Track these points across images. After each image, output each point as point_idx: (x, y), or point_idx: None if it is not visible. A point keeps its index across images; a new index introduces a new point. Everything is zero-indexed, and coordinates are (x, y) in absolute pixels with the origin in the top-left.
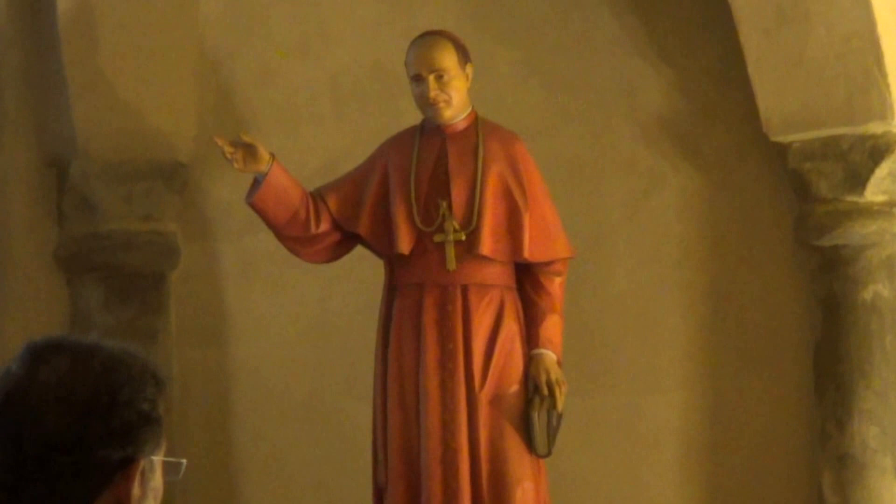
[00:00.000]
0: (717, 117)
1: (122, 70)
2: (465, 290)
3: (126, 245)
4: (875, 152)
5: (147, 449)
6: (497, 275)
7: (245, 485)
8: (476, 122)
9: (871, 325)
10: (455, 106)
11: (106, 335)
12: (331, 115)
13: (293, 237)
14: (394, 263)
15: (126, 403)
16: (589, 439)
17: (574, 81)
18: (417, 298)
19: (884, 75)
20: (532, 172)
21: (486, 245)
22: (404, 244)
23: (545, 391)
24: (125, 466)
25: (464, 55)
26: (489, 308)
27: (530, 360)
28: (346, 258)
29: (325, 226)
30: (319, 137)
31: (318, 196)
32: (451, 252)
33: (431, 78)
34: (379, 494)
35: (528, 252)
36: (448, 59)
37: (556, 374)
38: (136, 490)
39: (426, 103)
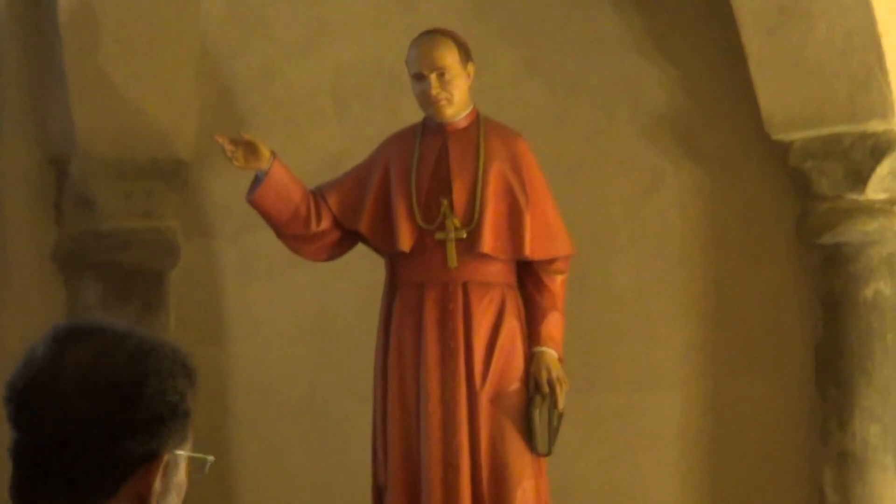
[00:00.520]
0: (719, 115)
1: (122, 67)
2: (466, 288)
3: (125, 243)
4: (876, 150)
5: (172, 443)
6: (498, 273)
7: (243, 484)
8: (478, 120)
9: (873, 323)
10: (456, 104)
11: None
12: (332, 113)
13: (294, 235)
14: (394, 261)
15: (153, 395)
16: (590, 437)
17: (576, 79)
18: (418, 296)
19: (884, 73)
20: (533, 170)
21: (488, 243)
22: (405, 242)
23: (546, 389)
24: (149, 460)
25: (465, 53)
26: (490, 306)
27: (531, 358)
28: (346, 256)
29: (325, 223)
30: (320, 135)
31: (318, 194)
32: (452, 250)
33: (433, 76)
34: (379, 494)
35: (530, 250)
36: (450, 57)
37: (557, 371)
38: (157, 485)
39: (428, 101)
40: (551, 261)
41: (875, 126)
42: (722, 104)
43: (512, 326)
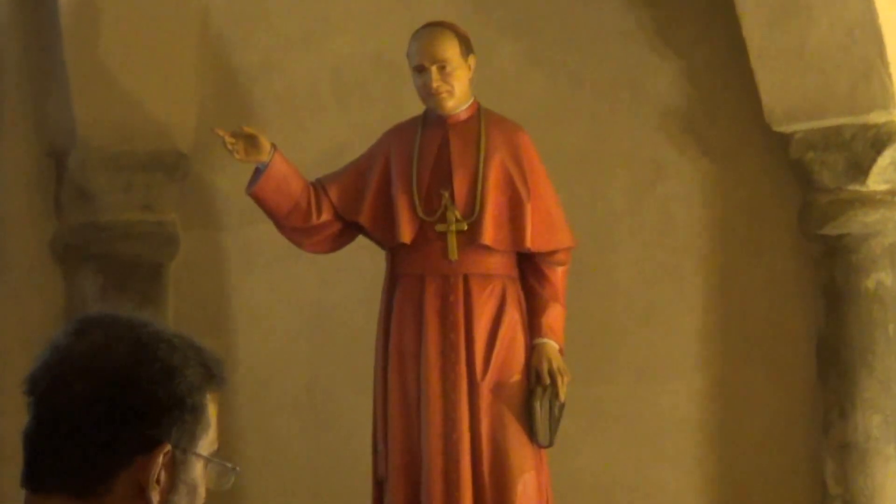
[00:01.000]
0: (720, 108)
1: (122, 60)
2: (466, 279)
3: (125, 235)
4: (877, 142)
5: (176, 435)
6: (499, 264)
7: (244, 476)
8: (478, 112)
9: (874, 314)
10: (457, 97)
11: None
12: (332, 106)
13: (294, 227)
14: (395, 253)
15: (154, 381)
16: (591, 429)
17: (577, 72)
18: (419, 288)
19: (886, 65)
20: (534, 162)
21: (488, 235)
22: (406, 234)
23: (547, 381)
24: (149, 449)
25: (466, 46)
26: (491, 298)
27: (532, 350)
28: (346, 248)
29: (326, 216)
30: (321, 128)
31: (319, 186)
32: (452, 242)
33: (434, 69)
34: (379, 486)
35: (531, 242)
36: (450, 49)
37: (558, 363)
38: (161, 476)
39: (428, 94)
40: (552, 252)
41: (876, 118)
42: (723, 96)
43: (513, 318)
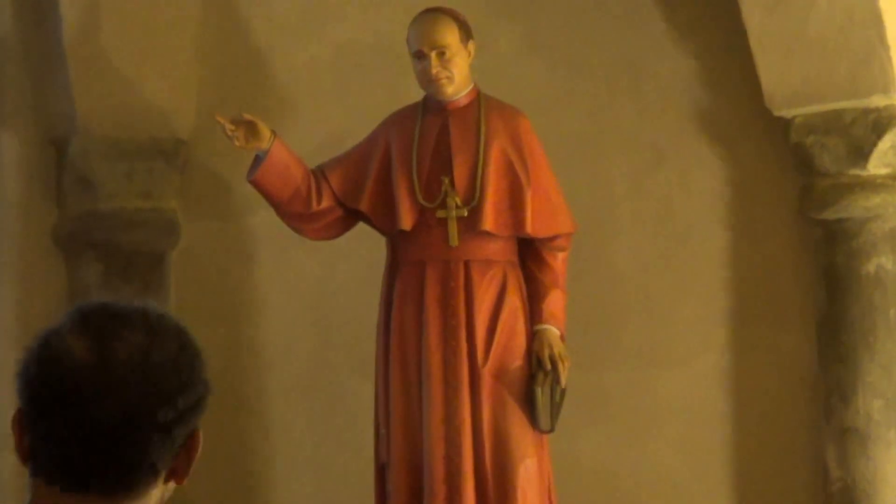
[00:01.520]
0: (720, 92)
1: (122, 47)
2: (467, 266)
3: (126, 223)
4: (878, 125)
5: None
6: (500, 250)
7: (247, 462)
8: (478, 98)
9: (875, 298)
10: (457, 82)
11: None
12: (332, 92)
13: (295, 214)
14: (396, 240)
15: (199, 376)
16: (592, 414)
17: (576, 57)
18: (420, 275)
19: (886, 48)
20: (535, 148)
21: (489, 221)
22: (406, 220)
23: (548, 366)
24: (189, 438)
25: (466, 31)
26: (492, 284)
27: (533, 336)
28: (347, 235)
29: (326, 202)
30: (321, 114)
31: (319, 173)
32: (453, 228)
33: (433, 55)
34: (381, 470)
35: (531, 227)
36: (450, 35)
37: (559, 349)
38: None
39: (428, 80)
40: (553, 238)
41: (877, 101)
42: (723, 81)
43: (514, 304)
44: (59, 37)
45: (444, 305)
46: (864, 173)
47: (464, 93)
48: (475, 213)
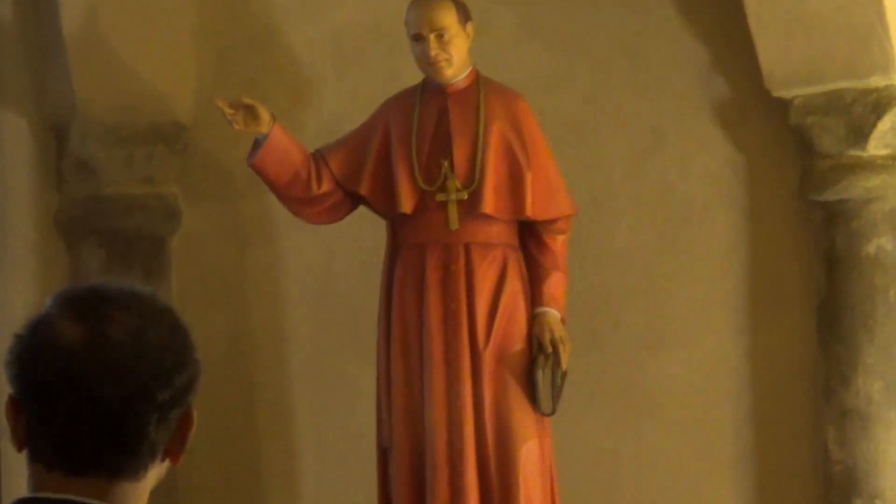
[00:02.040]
0: (719, 73)
1: (121, 32)
2: (467, 249)
3: (126, 208)
4: (878, 106)
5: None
6: (500, 233)
7: (248, 448)
8: (477, 80)
9: (875, 279)
10: (456, 65)
11: None
12: (331, 76)
13: (295, 198)
14: (396, 224)
15: (191, 355)
16: (593, 397)
17: (575, 39)
18: (420, 258)
19: (885, 28)
20: (534, 130)
21: (489, 204)
22: (406, 204)
23: (549, 349)
24: (183, 418)
25: (464, 13)
26: (492, 267)
27: (534, 319)
28: (347, 219)
29: (326, 186)
30: (320, 98)
31: (319, 156)
32: (453, 211)
33: (432, 37)
34: (384, 454)
35: (531, 210)
36: (448, 17)
37: (559, 332)
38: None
39: (427, 63)
40: (553, 221)
41: (876, 82)
42: (722, 62)
43: (514, 287)
44: (58, 22)
45: (444, 289)
46: (864, 154)
47: (463, 75)
48: (475, 196)
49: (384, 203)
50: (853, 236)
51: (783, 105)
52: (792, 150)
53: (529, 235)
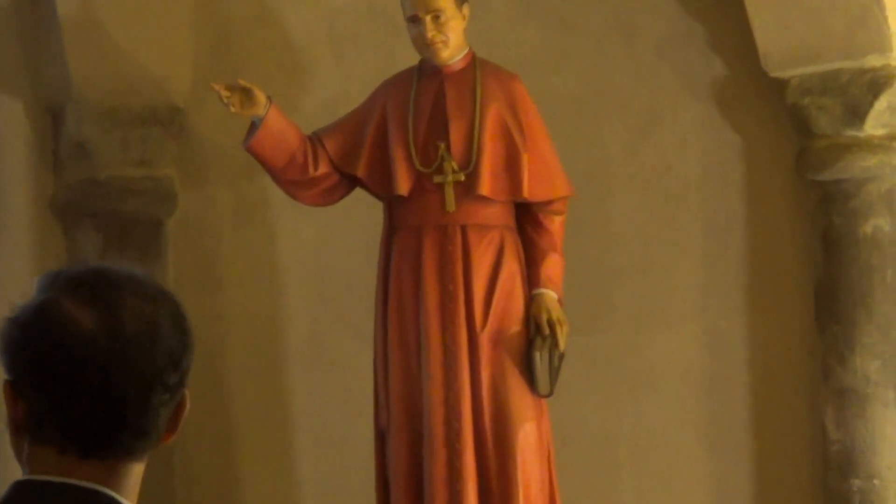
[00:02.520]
0: (716, 54)
1: (117, 14)
2: (464, 230)
3: (123, 191)
4: (874, 85)
5: None
6: (497, 215)
7: (245, 430)
8: (474, 62)
9: (872, 259)
10: (452, 46)
11: None
12: (328, 58)
13: (291, 181)
14: (393, 205)
15: (190, 338)
16: (591, 378)
17: (571, 19)
18: (417, 240)
19: (882, 8)
20: (530, 112)
21: (486, 185)
22: (403, 186)
23: (546, 330)
24: (181, 399)
25: None
26: (489, 248)
27: (531, 300)
28: (344, 201)
29: (323, 168)
30: (316, 80)
31: (315, 139)
32: (450, 193)
33: (428, 18)
34: (382, 436)
35: (528, 191)
36: None
37: (557, 313)
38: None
39: (423, 44)
40: (550, 202)
41: (873, 61)
42: (719, 42)
43: (511, 268)
44: (53, 5)
45: (441, 271)
46: (860, 134)
47: (459, 57)
48: (472, 177)
49: (381, 185)
50: (850, 216)
51: (780, 85)
52: (789, 131)
53: (526, 217)
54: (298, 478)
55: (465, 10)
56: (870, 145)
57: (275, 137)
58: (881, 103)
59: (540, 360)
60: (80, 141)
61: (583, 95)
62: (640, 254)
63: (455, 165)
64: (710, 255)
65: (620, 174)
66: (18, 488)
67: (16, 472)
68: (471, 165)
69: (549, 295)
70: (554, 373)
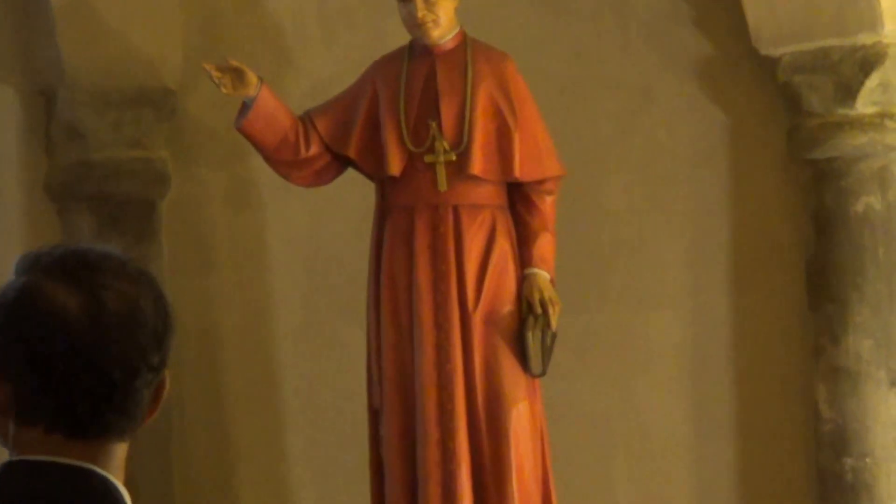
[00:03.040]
0: (707, 32)
1: None
2: (456, 210)
3: (116, 173)
4: (865, 63)
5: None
6: (488, 195)
7: (238, 411)
8: (465, 41)
9: (864, 238)
10: (443, 26)
11: None
12: (318, 38)
13: (283, 161)
14: (384, 186)
15: (172, 318)
16: (583, 358)
17: None
18: (409, 220)
19: None
20: (522, 91)
21: (477, 165)
22: (395, 166)
23: (539, 310)
24: (160, 380)
25: None
26: (481, 228)
27: (523, 280)
28: (336, 182)
29: (314, 149)
30: (307, 60)
31: (307, 119)
32: (441, 173)
33: None
34: (375, 417)
35: (519, 171)
36: None
37: (549, 292)
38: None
39: (414, 24)
40: (541, 182)
41: (864, 39)
42: (710, 20)
43: (503, 248)
44: None
45: (433, 251)
46: (852, 112)
47: (450, 36)
48: (463, 157)
49: (372, 165)
50: (842, 195)
51: (771, 63)
52: (780, 109)
53: (518, 197)
54: (292, 458)
55: None
56: (861, 123)
57: (266, 118)
58: (872, 81)
59: (532, 339)
60: (73, 123)
61: (573, 74)
62: (631, 233)
63: (446, 145)
64: (702, 235)
65: (612, 153)
66: (10, 468)
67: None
68: (462, 145)
69: (542, 275)
70: (546, 353)
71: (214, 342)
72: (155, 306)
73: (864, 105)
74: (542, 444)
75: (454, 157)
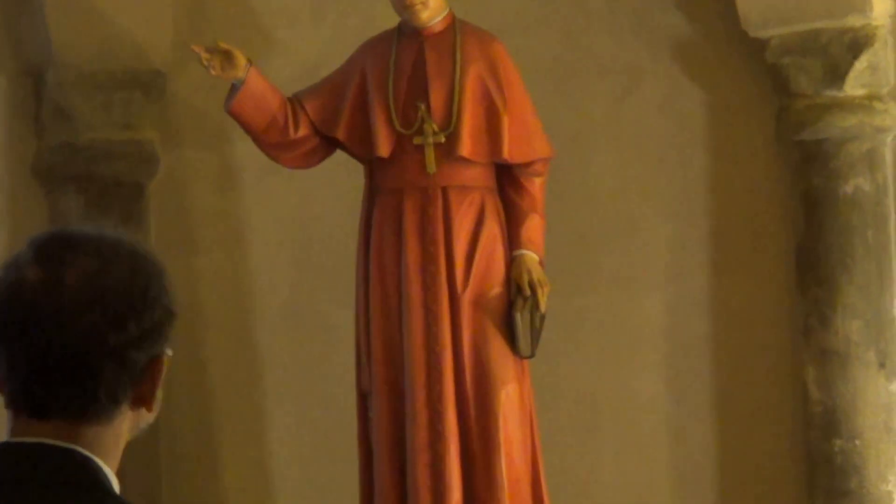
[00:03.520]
0: (695, 14)
1: None
2: (445, 192)
3: (105, 155)
4: (854, 45)
5: (166, 345)
6: (477, 177)
7: (226, 393)
8: (454, 23)
9: (853, 220)
10: (432, 8)
11: None
12: (308, 20)
13: (272, 143)
14: (373, 167)
15: (155, 301)
16: (572, 340)
17: None
18: (398, 202)
19: None
20: (511, 73)
21: (466, 146)
22: (384, 147)
23: (527, 292)
24: (151, 364)
25: None
26: (470, 210)
27: (512, 262)
28: (326, 163)
29: (303, 131)
30: (296, 42)
31: (296, 101)
32: (430, 154)
33: None
34: (364, 398)
35: (508, 153)
36: None
37: (538, 274)
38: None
39: (403, 6)
40: (530, 163)
41: (853, 21)
42: (698, 2)
43: (492, 230)
44: None
45: (422, 232)
46: (840, 94)
47: (439, 18)
48: (452, 139)
49: (361, 147)
50: (830, 176)
51: (760, 45)
52: (769, 91)
53: (507, 178)
54: (280, 440)
55: None
56: (850, 105)
57: (255, 99)
58: (861, 63)
59: (521, 321)
60: (62, 105)
61: (562, 57)
62: (621, 214)
63: (435, 127)
64: (690, 217)
65: (601, 136)
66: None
67: None
68: (451, 126)
69: (530, 256)
70: (535, 334)
71: (201, 323)
72: (126, 287)
73: (853, 87)
74: (531, 426)
75: (443, 139)
